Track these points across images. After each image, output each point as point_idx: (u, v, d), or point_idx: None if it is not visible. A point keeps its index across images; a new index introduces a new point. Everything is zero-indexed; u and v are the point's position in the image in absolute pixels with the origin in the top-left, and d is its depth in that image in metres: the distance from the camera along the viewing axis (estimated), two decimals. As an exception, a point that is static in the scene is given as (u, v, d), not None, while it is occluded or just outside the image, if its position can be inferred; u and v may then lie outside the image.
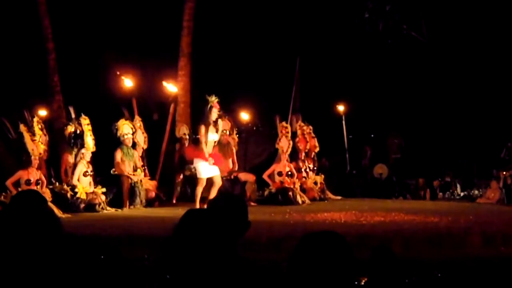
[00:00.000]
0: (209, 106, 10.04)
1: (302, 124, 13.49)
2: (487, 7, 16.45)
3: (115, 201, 11.52)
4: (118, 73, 14.13)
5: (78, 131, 11.73)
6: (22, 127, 10.85)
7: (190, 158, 10.95)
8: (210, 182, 10.24)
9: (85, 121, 11.64)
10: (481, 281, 5.78)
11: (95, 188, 11.31)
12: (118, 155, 11.74)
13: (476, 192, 14.52)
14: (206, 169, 10.14)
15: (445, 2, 16.81)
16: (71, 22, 15.79)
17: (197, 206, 9.90)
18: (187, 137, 13.23)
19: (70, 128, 11.86)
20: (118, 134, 11.83)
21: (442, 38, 17.25)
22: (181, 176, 12.75)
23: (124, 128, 11.87)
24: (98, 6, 16.28)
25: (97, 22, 16.16)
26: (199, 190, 10.26)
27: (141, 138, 12.32)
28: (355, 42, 17.32)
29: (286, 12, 17.66)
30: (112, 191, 11.59)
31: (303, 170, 13.32)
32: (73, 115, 11.99)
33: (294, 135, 13.46)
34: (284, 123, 13.17)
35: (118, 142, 11.84)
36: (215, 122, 10.16)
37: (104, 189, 11.43)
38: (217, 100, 10.06)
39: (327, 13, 17.45)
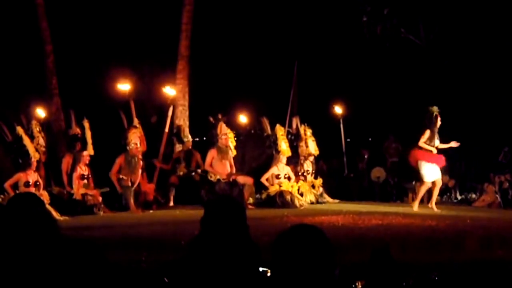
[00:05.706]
0: (434, 114, 11.47)
1: (305, 127, 13.52)
2: (486, 11, 16.47)
3: (113, 204, 11.51)
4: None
5: (78, 134, 11.74)
6: (20, 129, 10.84)
7: (415, 162, 11.54)
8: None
9: (86, 124, 11.67)
10: (479, 284, 5.77)
11: (93, 190, 11.31)
12: (120, 161, 11.69)
13: (474, 195, 14.51)
14: (431, 172, 11.21)
15: (443, 6, 16.83)
16: (70, 24, 15.79)
17: (416, 203, 11.40)
18: (190, 139, 13.24)
19: (72, 131, 11.86)
20: (126, 142, 11.75)
21: (440, 41, 17.27)
22: (176, 178, 12.73)
23: (133, 137, 11.80)
24: (97, 9, 16.28)
25: (95, 25, 16.16)
26: (423, 190, 11.46)
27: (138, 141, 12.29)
28: (353, 45, 17.33)
29: (284, 15, 17.67)
30: (110, 194, 11.60)
31: (300, 173, 13.33)
32: (73, 119, 11.99)
33: (295, 137, 13.51)
34: (279, 126, 13.15)
35: (123, 148, 11.81)
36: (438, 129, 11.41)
37: (105, 189, 11.44)
38: (438, 110, 11.44)
39: (325, 17, 17.46)
